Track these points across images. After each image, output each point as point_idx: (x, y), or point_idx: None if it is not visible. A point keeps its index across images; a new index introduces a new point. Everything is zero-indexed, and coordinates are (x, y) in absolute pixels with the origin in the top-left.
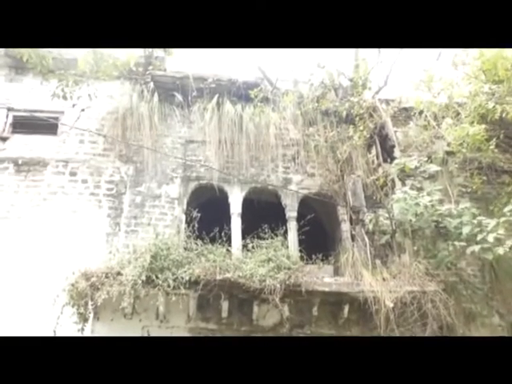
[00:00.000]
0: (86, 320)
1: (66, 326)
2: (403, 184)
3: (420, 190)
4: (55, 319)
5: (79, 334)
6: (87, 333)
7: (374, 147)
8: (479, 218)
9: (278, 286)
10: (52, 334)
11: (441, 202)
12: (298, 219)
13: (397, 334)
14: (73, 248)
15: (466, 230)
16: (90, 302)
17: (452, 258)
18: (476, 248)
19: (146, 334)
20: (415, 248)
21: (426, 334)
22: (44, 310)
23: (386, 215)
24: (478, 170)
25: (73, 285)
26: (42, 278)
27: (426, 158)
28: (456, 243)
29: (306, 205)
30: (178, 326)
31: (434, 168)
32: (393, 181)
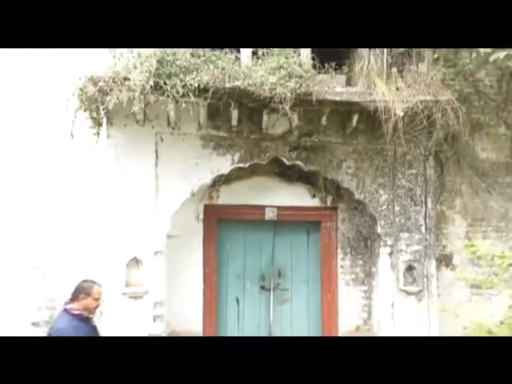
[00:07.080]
0: (100, 124)
1: (82, 130)
2: None
3: None
4: (70, 123)
5: (95, 138)
6: (103, 137)
7: None
8: None
9: (289, 94)
10: (69, 137)
11: None
12: None
13: (402, 141)
14: (76, 54)
15: None
16: (101, 107)
17: (472, 66)
18: (501, 55)
19: (159, 141)
20: (435, 56)
21: (430, 142)
22: (57, 115)
23: None
24: None
25: (81, 89)
26: (49, 83)
27: None
28: (480, 50)
29: None
30: (190, 134)
31: None
32: None
